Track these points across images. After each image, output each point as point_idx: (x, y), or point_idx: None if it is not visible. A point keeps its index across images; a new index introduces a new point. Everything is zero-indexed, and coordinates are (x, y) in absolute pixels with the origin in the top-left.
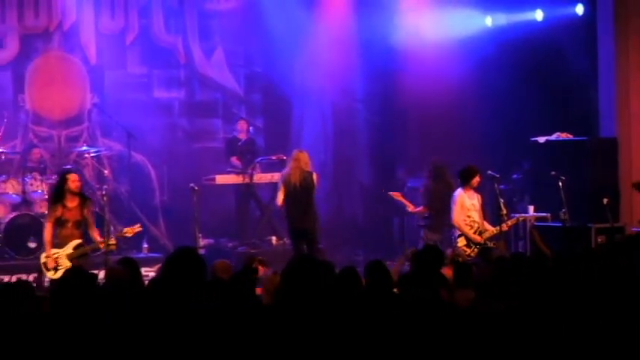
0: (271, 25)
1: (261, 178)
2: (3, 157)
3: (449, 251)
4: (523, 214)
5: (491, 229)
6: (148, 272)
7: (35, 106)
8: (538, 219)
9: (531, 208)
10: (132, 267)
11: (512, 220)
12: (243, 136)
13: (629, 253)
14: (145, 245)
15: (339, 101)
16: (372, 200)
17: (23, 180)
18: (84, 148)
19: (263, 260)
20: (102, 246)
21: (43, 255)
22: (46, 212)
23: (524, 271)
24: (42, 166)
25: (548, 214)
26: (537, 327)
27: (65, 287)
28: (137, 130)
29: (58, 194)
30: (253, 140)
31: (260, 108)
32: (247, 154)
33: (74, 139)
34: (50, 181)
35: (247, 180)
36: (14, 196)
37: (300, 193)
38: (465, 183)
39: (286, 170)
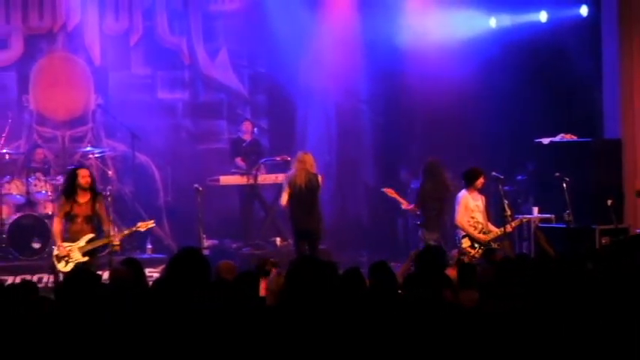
0: (275, 26)
1: (265, 179)
2: (7, 157)
3: (454, 252)
4: (527, 216)
5: (495, 230)
6: (152, 273)
7: (39, 106)
8: (542, 220)
9: (535, 210)
10: (135, 268)
11: (517, 221)
12: (247, 137)
13: (633, 253)
14: (149, 246)
15: (343, 102)
16: (376, 201)
17: (27, 181)
18: (88, 148)
19: (276, 262)
20: (114, 239)
21: (55, 248)
22: (52, 211)
23: (529, 272)
24: (46, 166)
25: (553, 216)
26: (541, 328)
27: (69, 288)
28: (141, 131)
29: (68, 189)
30: (258, 141)
31: (264, 109)
32: (252, 154)
33: (78, 140)
34: (54, 182)
35: (251, 181)
36: (18, 196)
37: (305, 195)
38: (469, 184)
39: (291, 171)
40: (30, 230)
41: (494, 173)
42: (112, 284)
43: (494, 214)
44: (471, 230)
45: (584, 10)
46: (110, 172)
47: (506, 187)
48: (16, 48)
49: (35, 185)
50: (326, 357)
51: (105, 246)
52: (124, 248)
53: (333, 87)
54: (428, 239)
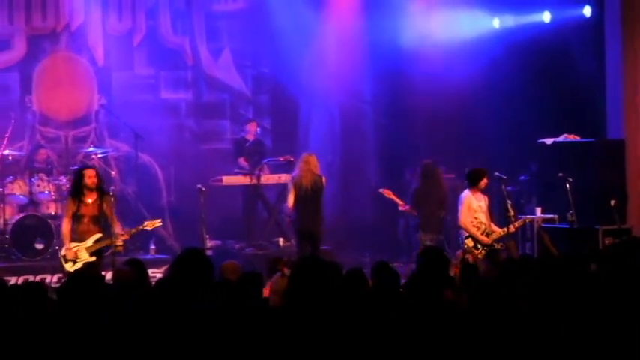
0: (279, 26)
1: (268, 179)
2: (10, 158)
3: (459, 252)
4: (530, 216)
5: (498, 231)
6: (155, 273)
7: (42, 107)
8: (545, 220)
9: (539, 210)
10: (139, 268)
11: (520, 221)
12: (251, 138)
13: (636, 254)
14: (152, 246)
15: (346, 102)
16: (379, 201)
17: (30, 181)
18: (91, 149)
19: (288, 261)
20: (122, 238)
21: (63, 248)
22: (55, 212)
23: (532, 273)
24: (49, 167)
25: (556, 216)
26: (544, 328)
27: (72, 288)
28: (144, 131)
29: (75, 190)
30: (261, 141)
31: (267, 109)
32: (255, 155)
33: (81, 140)
34: (57, 182)
35: (254, 181)
36: (21, 197)
37: (310, 196)
38: (472, 185)
39: (296, 173)
40: (33, 231)
41: (497, 174)
42: (116, 284)
43: (498, 214)
44: (474, 231)
45: (587, 11)
46: (113, 173)
47: (509, 188)
48: (19, 48)
49: (38, 186)
50: (329, 357)
51: (110, 245)
52: (127, 249)
53: (337, 87)
54: (424, 240)
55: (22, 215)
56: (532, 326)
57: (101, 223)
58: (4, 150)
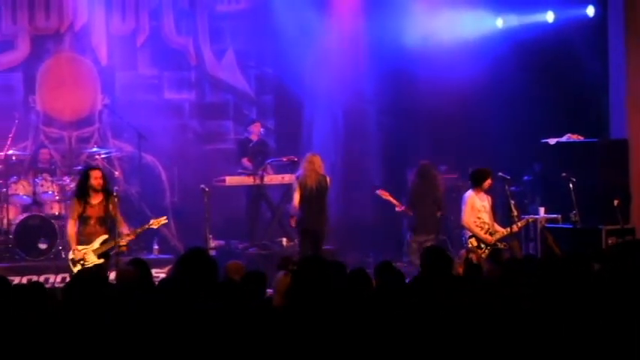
0: (282, 27)
1: (271, 179)
2: (14, 158)
3: (462, 252)
4: (534, 216)
5: (501, 230)
6: (159, 273)
7: (46, 107)
8: (549, 220)
9: (542, 210)
10: (142, 268)
11: (523, 221)
12: (255, 138)
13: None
14: (156, 246)
15: (349, 103)
16: (382, 202)
17: (34, 181)
18: (94, 149)
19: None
20: (127, 238)
21: (70, 252)
22: (58, 212)
23: (535, 273)
24: (52, 167)
25: (559, 216)
26: (548, 328)
27: (76, 288)
28: (148, 132)
29: (80, 191)
30: (265, 141)
31: (271, 109)
32: (258, 155)
33: (85, 140)
34: (61, 183)
35: (258, 181)
36: (25, 197)
37: (315, 196)
38: (476, 185)
39: (301, 172)
40: (36, 231)
41: (500, 173)
42: (119, 284)
43: (501, 214)
44: (477, 230)
45: (590, 11)
46: (117, 173)
47: (512, 188)
48: (23, 49)
49: (42, 186)
50: (332, 357)
51: (117, 245)
52: (130, 249)
53: (340, 88)
54: (415, 241)
55: (25, 215)
56: (535, 326)
57: (107, 224)
58: (7, 150)
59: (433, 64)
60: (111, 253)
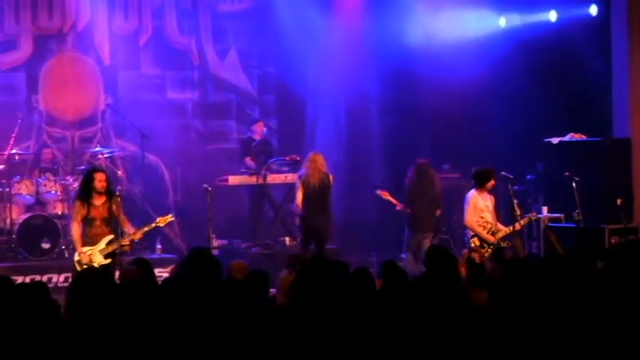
0: (285, 26)
1: (274, 178)
2: (17, 157)
3: (465, 251)
4: (536, 212)
5: (504, 229)
6: (162, 273)
7: (49, 106)
8: (552, 220)
9: (545, 209)
10: (145, 267)
11: (525, 218)
12: (258, 137)
13: None
14: (159, 246)
15: (352, 102)
16: (385, 201)
17: (37, 181)
18: (97, 148)
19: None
20: (134, 237)
21: (76, 254)
22: (61, 212)
23: (538, 272)
24: (55, 166)
25: (562, 215)
26: (550, 328)
27: (79, 288)
28: (151, 131)
29: (83, 192)
30: (268, 140)
31: (274, 109)
32: (261, 154)
33: (88, 140)
34: (64, 182)
35: (261, 181)
36: (28, 196)
37: (318, 194)
38: (479, 185)
39: (304, 171)
40: (39, 230)
41: (503, 173)
42: (122, 284)
43: (504, 213)
44: (480, 230)
45: (593, 10)
46: (120, 172)
47: (515, 187)
48: (26, 48)
49: (45, 185)
50: (335, 356)
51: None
52: (133, 248)
53: (343, 87)
54: (412, 239)
55: (28, 215)
56: (538, 325)
57: (112, 224)
58: (10, 150)
59: (436, 64)
60: (116, 252)
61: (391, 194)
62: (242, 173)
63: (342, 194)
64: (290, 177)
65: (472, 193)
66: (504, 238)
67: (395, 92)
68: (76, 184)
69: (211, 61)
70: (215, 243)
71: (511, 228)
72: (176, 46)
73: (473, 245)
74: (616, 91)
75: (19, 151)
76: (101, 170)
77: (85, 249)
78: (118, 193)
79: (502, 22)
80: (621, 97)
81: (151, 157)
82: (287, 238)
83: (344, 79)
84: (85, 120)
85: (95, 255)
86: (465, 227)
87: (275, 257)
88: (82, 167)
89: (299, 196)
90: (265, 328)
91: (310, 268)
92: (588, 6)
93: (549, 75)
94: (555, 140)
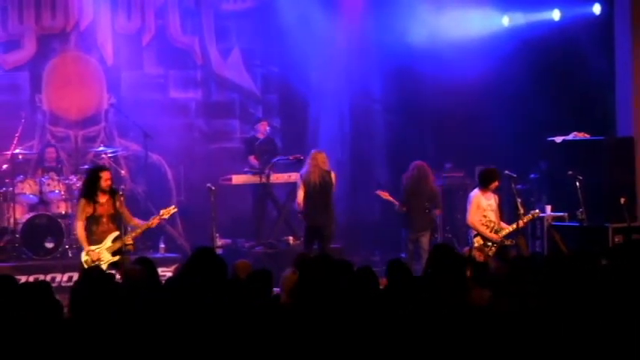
0: (288, 25)
1: (277, 178)
2: (20, 157)
3: (465, 249)
4: (539, 210)
5: (507, 227)
6: (165, 272)
7: (52, 106)
8: (555, 218)
9: (548, 208)
10: (148, 267)
11: (528, 216)
12: (261, 136)
13: None
14: (162, 245)
15: (356, 101)
16: (387, 200)
17: (40, 180)
18: (101, 148)
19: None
20: (145, 226)
21: (83, 253)
22: (65, 211)
23: (542, 271)
24: (59, 166)
25: (566, 214)
26: (554, 327)
27: (83, 287)
28: (154, 131)
29: (89, 191)
30: (272, 139)
31: (277, 108)
32: (265, 153)
33: (91, 140)
34: (67, 182)
35: (264, 180)
36: (31, 196)
37: (319, 192)
38: (483, 186)
39: (305, 170)
40: (43, 230)
41: (507, 172)
42: (125, 283)
43: (508, 212)
44: (483, 229)
45: (596, 9)
46: (123, 172)
47: (519, 186)
48: (29, 48)
49: (48, 185)
50: (338, 355)
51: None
52: (137, 247)
53: (346, 86)
54: (409, 238)
55: (32, 214)
56: (542, 323)
57: (117, 221)
58: (14, 149)
59: (439, 63)
60: (123, 250)
61: (391, 194)
62: (245, 172)
63: (346, 193)
64: (294, 176)
65: (475, 193)
66: (508, 236)
67: (398, 91)
68: (79, 184)
69: (214, 61)
70: (219, 242)
71: (514, 226)
72: (179, 45)
73: (476, 244)
74: (619, 89)
75: (22, 151)
76: (107, 169)
77: (93, 247)
78: (121, 192)
79: (505, 21)
80: (624, 96)
81: (154, 157)
82: (290, 237)
83: (347, 78)
84: (89, 119)
85: (103, 253)
86: (469, 227)
87: (278, 256)
88: (86, 166)
89: (300, 194)
90: (269, 327)
91: (314, 267)
92: (591, 5)
93: (552, 74)
94: (559, 139)
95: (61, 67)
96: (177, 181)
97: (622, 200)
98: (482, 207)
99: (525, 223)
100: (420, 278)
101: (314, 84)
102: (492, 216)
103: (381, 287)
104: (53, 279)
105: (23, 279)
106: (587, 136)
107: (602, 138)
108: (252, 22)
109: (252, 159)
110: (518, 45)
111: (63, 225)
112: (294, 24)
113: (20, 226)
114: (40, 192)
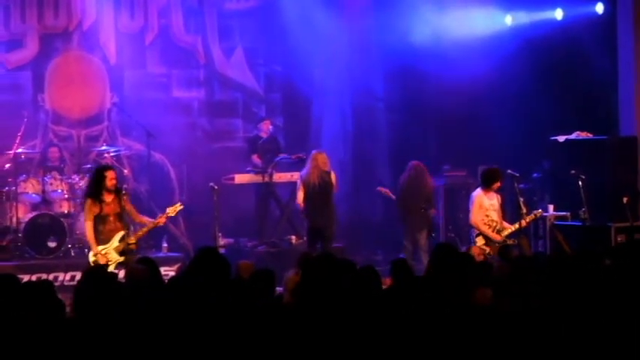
0: (291, 24)
1: (280, 177)
2: (23, 156)
3: (465, 249)
4: (541, 210)
5: (509, 227)
6: (168, 272)
7: (55, 105)
8: (558, 218)
9: (551, 207)
10: (151, 266)
11: (531, 215)
12: (264, 135)
13: None
14: (165, 244)
15: (358, 100)
16: (391, 200)
17: (43, 179)
18: (103, 147)
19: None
20: (153, 225)
21: (91, 254)
22: (67, 210)
23: (545, 270)
24: (62, 165)
25: (568, 213)
26: (556, 326)
27: (86, 287)
28: (157, 130)
29: (94, 190)
30: (275, 138)
31: (280, 107)
32: (268, 152)
33: (94, 139)
34: (70, 181)
35: (267, 179)
36: (34, 195)
37: (318, 193)
38: (485, 186)
39: (305, 171)
40: (46, 229)
41: (509, 171)
42: (128, 282)
43: (510, 211)
44: (485, 229)
45: (599, 8)
46: (126, 171)
47: (521, 185)
48: (32, 47)
49: (51, 184)
50: (342, 355)
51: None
52: (140, 246)
53: (349, 85)
54: (406, 239)
55: (34, 214)
56: (544, 323)
57: (124, 219)
58: (16, 149)
59: (442, 62)
60: (132, 253)
61: (391, 191)
62: (248, 172)
63: (348, 192)
64: (296, 175)
65: (477, 192)
66: (510, 236)
67: (401, 90)
68: (82, 183)
69: (217, 60)
70: (221, 241)
71: (517, 225)
72: (182, 44)
73: (479, 244)
74: (622, 89)
75: (25, 150)
76: (112, 168)
77: (100, 248)
78: (124, 191)
79: (508, 20)
80: (627, 96)
81: (157, 156)
82: (293, 237)
83: (350, 77)
84: (91, 119)
85: (110, 253)
86: (471, 226)
87: (281, 256)
88: (88, 166)
89: (300, 195)
90: (272, 326)
91: (317, 267)
92: (594, 4)
93: (555, 73)
94: (561, 138)
95: (64, 66)
96: (180, 180)
97: (625, 200)
98: (485, 207)
99: (528, 223)
100: (423, 278)
101: (317, 83)
102: (495, 216)
103: (383, 287)
104: (56, 278)
105: (26, 278)
106: (590, 135)
107: (605, 137)
108: (255, 22)
109: (255, 158)
110: (521, 44)
111: (65, 224)
112: (297, 23)
113: (23, 225)
114: (43, 191)
